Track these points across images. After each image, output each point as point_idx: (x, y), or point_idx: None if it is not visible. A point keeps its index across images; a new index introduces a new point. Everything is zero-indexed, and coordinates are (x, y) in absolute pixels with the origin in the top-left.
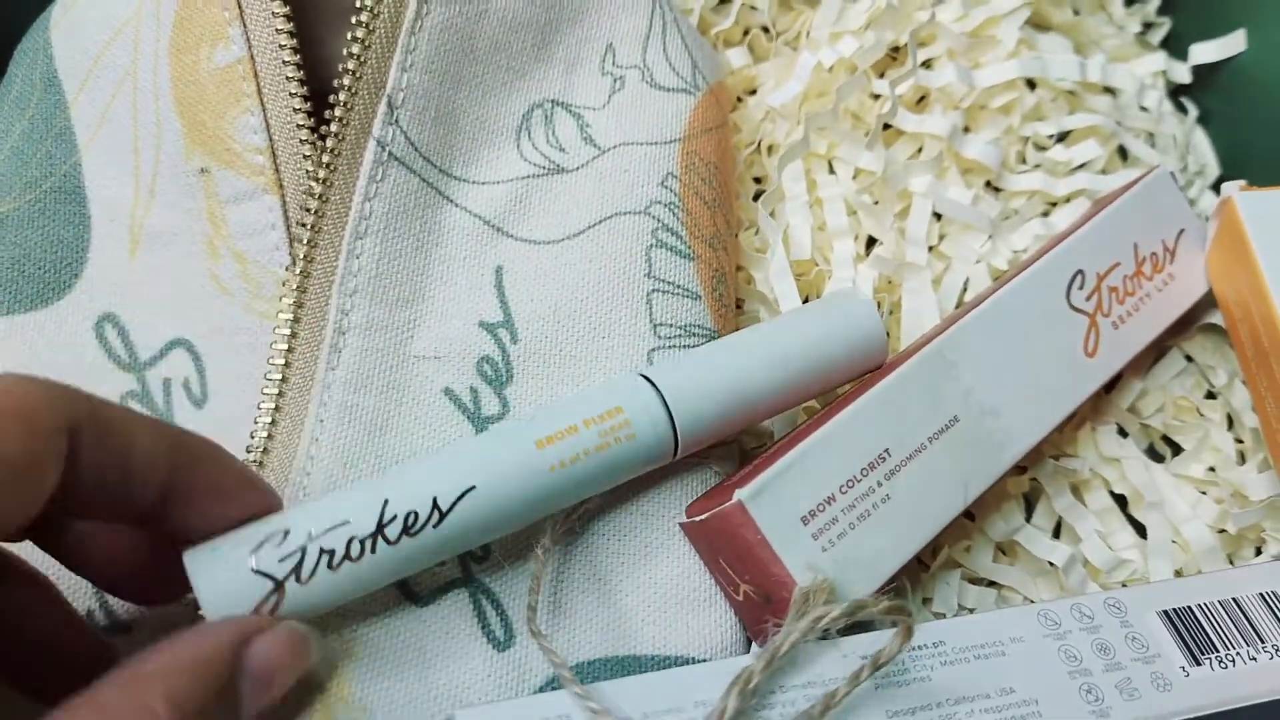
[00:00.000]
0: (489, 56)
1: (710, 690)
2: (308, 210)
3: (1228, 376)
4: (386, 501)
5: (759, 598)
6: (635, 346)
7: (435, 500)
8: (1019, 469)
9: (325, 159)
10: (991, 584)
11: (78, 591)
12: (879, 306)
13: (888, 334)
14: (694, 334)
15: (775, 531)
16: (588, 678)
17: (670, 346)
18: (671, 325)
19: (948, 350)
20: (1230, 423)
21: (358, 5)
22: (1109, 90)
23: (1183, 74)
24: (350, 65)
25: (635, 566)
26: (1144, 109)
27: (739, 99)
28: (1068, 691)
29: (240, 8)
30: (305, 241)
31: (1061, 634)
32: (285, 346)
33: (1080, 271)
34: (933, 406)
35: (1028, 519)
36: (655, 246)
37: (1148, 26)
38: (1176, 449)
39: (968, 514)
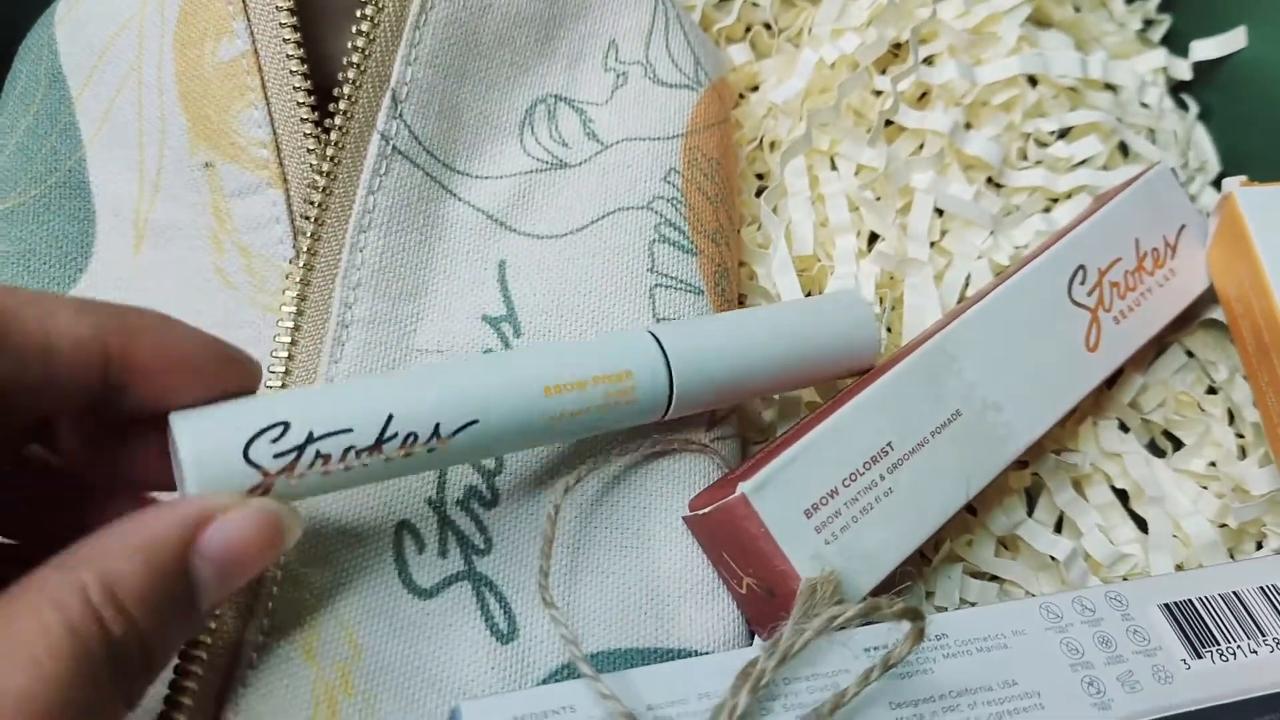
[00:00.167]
0: (493, 51)
1: (714, 683)
2: (311, 204)
3: (1229, 372)
4: (391, 418)
5: (762, 591)
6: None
7: (438, 426)
8: (1021, 463)
9: (329, 152)
10: (993, 578)
11: None
12: (881, 301)
13: (889, 330)
14: None
15: (778, 525)
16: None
17: None
18: (675, 320)
19: (950, 345)
20: (1231, 418)
21: (362, 0)
22: (1110, 87)
23: (1183, 70)
24: (354, 59)
25: (638, 559)
26: (1145, 105)
27: (741, 95)
28: (1069, 684)
29: (244, 2)
30: (309, 235)
31: (1063, 627)
32: (289, 340)
33: (1082, 267)
34: (935, 401)
35: (1029, 513)
36: (658, 241)
37: (1148, 23)
38: (1178, 444)
39: (970, 508)
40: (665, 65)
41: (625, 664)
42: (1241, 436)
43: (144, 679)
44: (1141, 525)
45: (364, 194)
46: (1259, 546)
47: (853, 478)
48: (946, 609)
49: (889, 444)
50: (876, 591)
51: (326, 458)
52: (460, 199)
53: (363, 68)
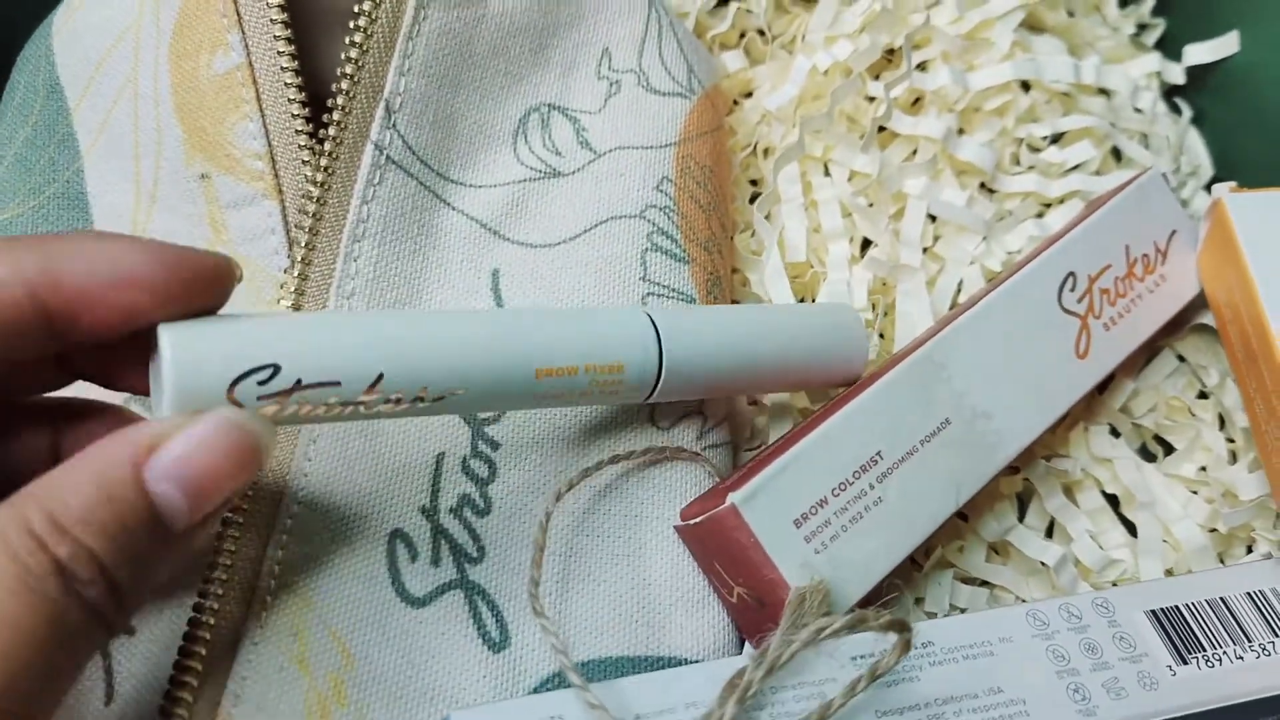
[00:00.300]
0: (486, 61)
1: (702, 693)
2: (305, 213)
3: (1219, 376)
4: (381, 377)
5: (753, 600)
6: None
7: (424, 389)
8: (1012, 469)
9: (323, 163)
10: (984, 583)
11: None
12: (873, 308)
13: (881, 336)
14: None
15: (768, 535)
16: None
17: None
18: None
19: (939, 353)
20: (1222, 422)
21: (355, 10)
22: (1103, 92)
23: (1177, 75)
24: (348, 70)
25: (629, 568)
26: (1138, 110)
27: (735, 102)
28: (1055, 691)
29: (239, 15)
30: (303, 245)
31: (1050, 634)
32: None
33: (1072, 274)
34: (925, 409)
35: (1020, 519)
36: (650, 250)
37: (1142, 28)
38: (1168, 448)
39: (960, 514)
40: (658, 73)
41: (616, 672)
42: (1232, 441)
43: (116, 604)
44: (1132, 530)
45: (358, 204)
46: (1249, 551)
47: (842, 487)
48: (936, 614)
49: (878, 453)
50: (866, 599)
51: (311, 406)
52: (454, 208)
53: (356, 78)
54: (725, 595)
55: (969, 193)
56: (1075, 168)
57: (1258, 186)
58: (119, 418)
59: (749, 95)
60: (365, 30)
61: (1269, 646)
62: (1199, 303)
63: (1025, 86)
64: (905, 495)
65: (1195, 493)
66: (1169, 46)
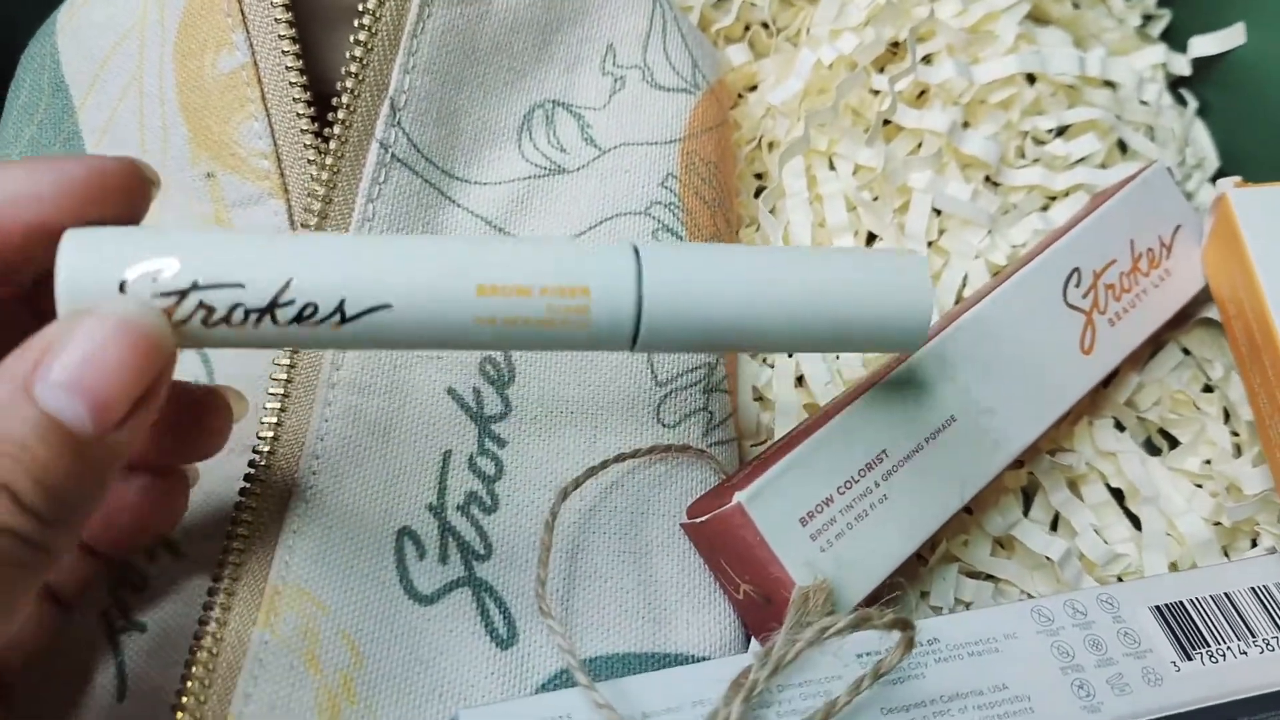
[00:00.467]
0: (490, 57)
1: (708, 690)
2: (311, 212)
3: (1224, 370)
4: (290, 282)
5: (759, 597)
6: None
7: (342, 303)
8: (1016, 463)
9: (328, 162)
10: (989, 578)
11: (90, 596)
12: None
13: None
14: None
15: (774, 533)
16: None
17: None
18: None
19: (944, 350)
20: (1226, 416)
21: (360, 9)
22: (1109, 84)
23: (1182, 66)
24: (353, 68)
25: (636, 565)
26: (1143, 102)
27: (740, 95)
28: (1060, 687)
29: (243, 13)
30: None
31: (1054, 630)
32: (290, 350)
33: (1076, 270)
34: (930, 407)
35: (1025, 513)
36: None
37: (1147, 19)
38: (1173, 442)
39: (965, 508)
40: (663, 69)
41: (623, 668)
42: (1237, 435)
43: (37, 521)
44: (1136, 524)
45: (363, 202)
46: (1253, 544)
47: (847, 485)
48: (941, 609)
49: (883, 451)
50: (871, 596)
51: (210, 310)
52: (459, 205)
53: (361, 77)
54: (731, 592)
55: (974, 186)
56: (1080, 160)
57: (1263, 178)
58: None
59: (753, 89)
60: (370, 28)
61: (1273, 642)
62: (1204, 296)
63: (1030, 79)
64: (910, 493)
65: (1200, 486)
66: (1174, 38)
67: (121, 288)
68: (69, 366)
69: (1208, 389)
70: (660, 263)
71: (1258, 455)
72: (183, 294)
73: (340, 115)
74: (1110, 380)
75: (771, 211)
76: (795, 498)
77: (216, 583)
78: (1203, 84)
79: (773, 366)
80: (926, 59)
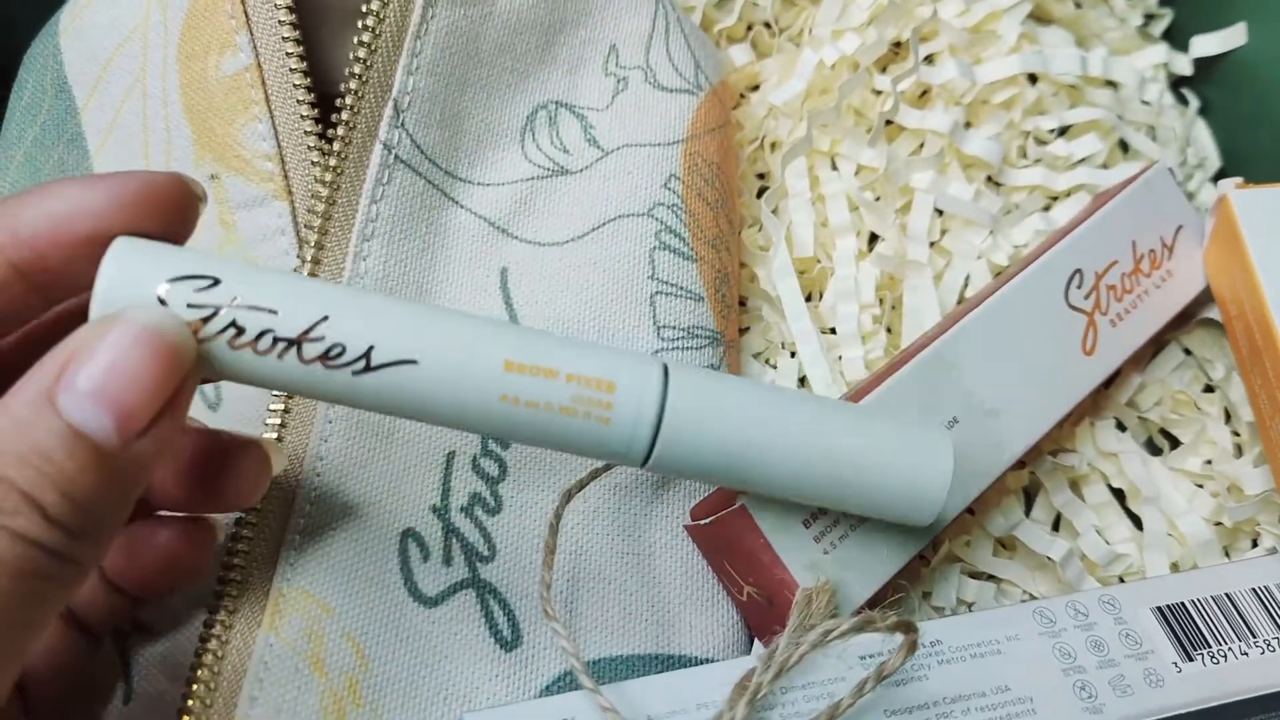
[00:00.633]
0: (494, 59)
1: (712, 693)
2: (315, 213)
3: (1226, 370)
4: (324, 319)
5: (762, 599)
6: (639, 349)
7: (370, 350)
8: (1018, 464)
9: (332, 163)
10: (991, 578)
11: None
12: (880, 303)
13: (889, 330)
14: (697, 335)
15: (778, 535)
16: (592, 677)
17: (674, 349)
18: (675, 327)
19: (947, 352)
20: (1227, 416)
21: (363, 10)
22: (1110, 83)
23: (1184, 66)
24: (356, 70)
25: (639, 566)
26: (1145, 102)
27: (742, 95)
28: (1062, 689)
29: (247, 15)
30: (312, 244)
31: (1056, 631)
32: None
33: (1078, 271)
34: (933, 409)
35: (1027, 513)
36: (658, 249)
37: (1149, 19)
38: (1175, 442)
39: (968, 509)
40: (666, 70)
41: (627, 670)
42: (1238, 435)
43: (63, 533)
44: (1138, 524)
45: (367, 203)
46: (1254, 545)
47: None
48: (944, 609)
49: None
50: (874, 598)
51: (240, 330)
52: (462, 206)
53: (364, 78)
54: (735, 594)
55: (976, 186)
56: (1082, 161)
57: (1264, 178)
58: None
59: (756, 89)
60: (373, 29)
61: (1274, 642)
62: (1205, 297)
63: (1032, 79)
64: None
65: (1201, 487)
66: (1176, 37)
67: (159, 294)
68: (93, 376)
69: (1209, 389)
70: (687, 382)
71: (1259, 455)
72: (217, 309)
73: (344, 117)
74: (1112, 380)
75: (774, 212)
76: None
77: (221, 586)
78: (1204, 84)
79: (775, 368)
80: (929, 59)
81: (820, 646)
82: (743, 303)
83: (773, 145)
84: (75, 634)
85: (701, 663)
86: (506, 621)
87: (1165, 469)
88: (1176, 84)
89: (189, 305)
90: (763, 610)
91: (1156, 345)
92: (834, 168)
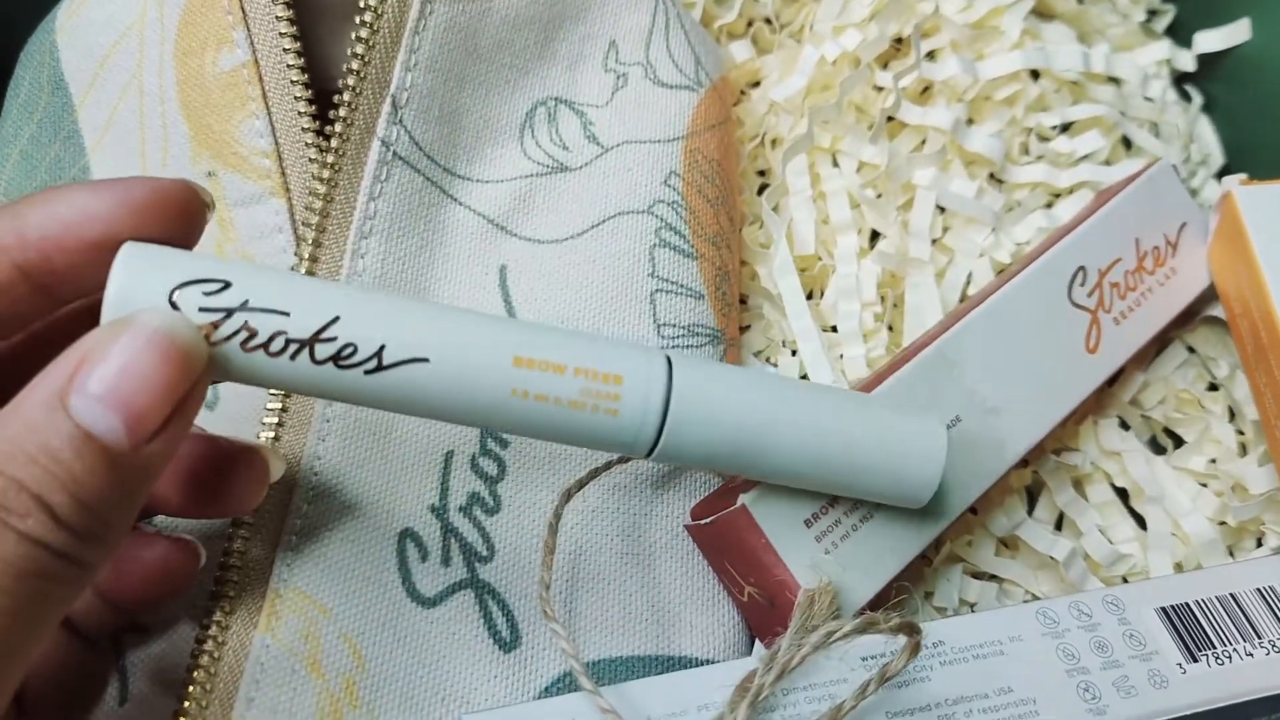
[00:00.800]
0: (493, 55)
1: (712, 694)
2: (312, 211)
3: (1230, 368)
4: (336, 320)
5: (763, 600)
6: None
7: (381, 349)
8: (1021, 463)
9: (330, 160)
10: (993, 578)
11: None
12: (882, 301)
13: (890, 328)
14: (697, 333)
15: (779, 535)
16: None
17: (675, 346)
18: (675, 325)
19: (949, 350)
20: (1231, 415)
21: (361, 5)
22: (1113, 80)
23: (1187, 62)
24: (354, 66)
25: (639, 567)
26: (1148, 99)
27: (742, 91)
28: (1065, 690)
29: (243, 11)
30: (310, 242)
31: (1060, 632)
32: None
33: (1082, 268)
34: (935, 407)
35: (1030, 512)
36: (659, 246)
37: (1152, 14)
38: (1178, 441)
39: (970, 508)
40: (666, 66)
41: (627, 671)
42: (1242, 434)
43: (71, 535)
44: (1141, 524)
45: (365, 200)
46: (1259, 544)
47: None
48: (946, 609)
49: None
50: (876, 599)
51: (253, 333)
52: (461, 203)
53: (362, 74)
54: (736, 595)
55: (978, 183)
56: (1085, 157)
57: (1268, 175)
58: None
59: (756, 85)
60: (371, 25)
61: (1279, 643)
62: (1209, 294)
63: (1034, 75)
64: None
65: (1205, 486)
66: (1179, 33)
67: (171, 297)
68: (105, 379)
69: (1213, 387)
70: (690, 373)
71: (1263, 454)
72: (229, 312)
73: (342, 113)
74: (1115, 379)
75: (775, 209)
76: (800, 499)
77: (217, 586)
78: (1207, 80)
79: (776, 366)
80: (930, 55)
81: (822, 648)
82: (743, 300)
83: (773, 142)
84: (70, 636)
85: (702, 664)
86: (505, 622)
87: (1169, 468)
88: (1179, 80)
89: (201, 309)
90: (764, 611)
91: (1160, 343)
92: (835, 165)
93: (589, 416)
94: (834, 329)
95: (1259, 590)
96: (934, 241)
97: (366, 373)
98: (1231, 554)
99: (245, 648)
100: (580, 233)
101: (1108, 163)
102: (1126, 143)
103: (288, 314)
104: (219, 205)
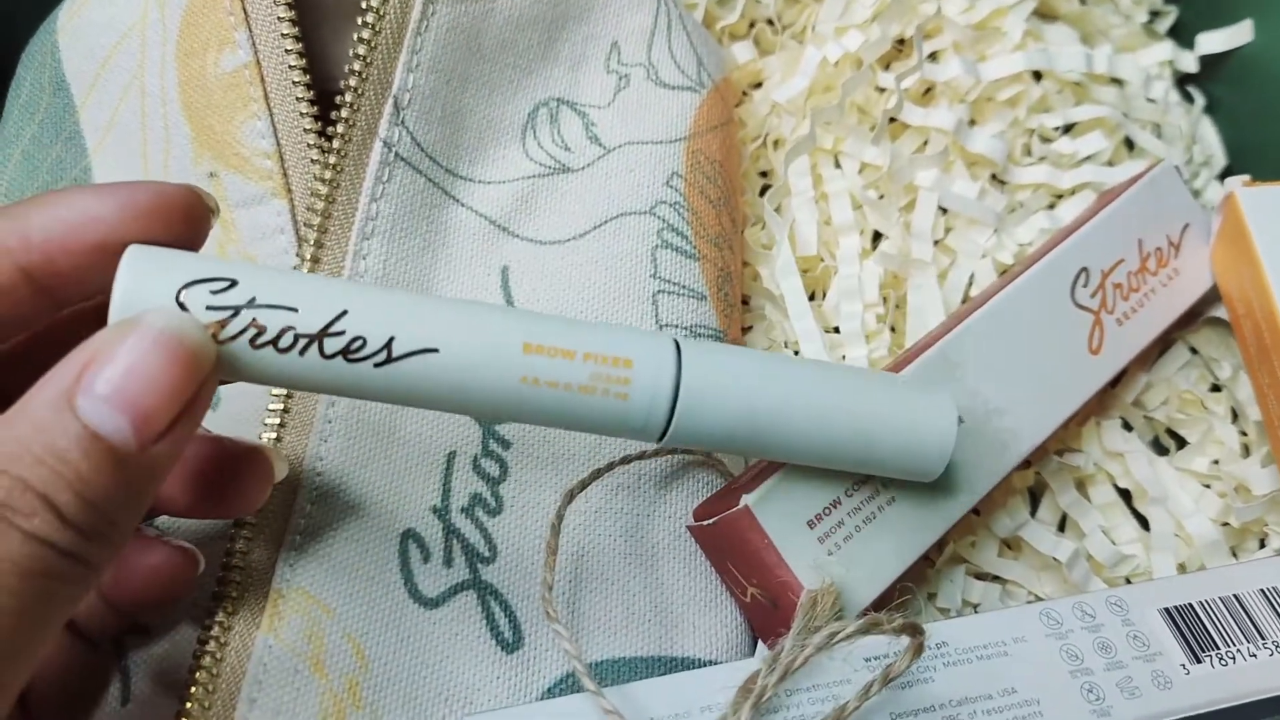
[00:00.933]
0: (495, 55)
1: (715, 695)
2: (314, 212)
3: (1232, 369)
4: (344, 313)
5: (766, 601)
6: None
7: (391, 340)
8: (1024, 464)
9: (332, 160)
10: (996, 579)
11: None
12: (884, 302)
13: (892, 329)
14: (700, 334)
15: (782, 536)
16: (595, 679)
17: None
18: (678, 326)
19: (951, 352)
20: (1234, 416)
21: (363, 6)
22: (1116, 81)
23: (1190, 63)
24: (356, 67)
25: (642, 568)
26: (1150, 100)
27: (744, 93)
28: (1069, 691)
29: (245, 12)
30: (312, 243)
31: (1063, 633)
32: None
33: (1084, 269)
34: None
35: (1033, 513)
36: (661, 247)
37: (1154, 15)
38: (1181, 442)
39: (973, 509)
40: (668, 67)
41: (630, 672)
42: (1245, 435)
43: (78, 535)
44: (1144, 525)
45: (366, 201)
46: (1261, 545)
47: (855, 487)
48: (949, 610)
49: None
50: (879, 599)
51: (261, 329)
52: (463, 204)
53: (364, 75)
54: (739, 595)
55: (980, 184)
56: (1087, 158)
57: (1271, 176)
58: None
59: (758, 86)
60: (373, 26)
61: None
62: (1212, 295)
63: (1037, 76)
64: (918, 495)
65: (1208, 487)
66: (1182, 34)
67: (178, 297)
68: (112, 379)
69: (1215, 388)
70: (698, 355)
71: (1266, 455)
72: (236, 310)
73: (343, 114)
74: (1118, 380)
75: (777, 210)
76: (803, 500)
77: (220, 586)
78: (1210, 81)
79: None
80: (933, 56)
81: (825, 649)
82: (745, 302)
83: (775, 143)
84: (73, 637)
85: (705, 665)
86: (508, 623)
87: (1172, 469)
88: (1182, 81)
89: (209, 308)
90: (767, 612)
91: (1163, 344)
92: (837, 166)
93: (599, 401)
94: (836, 330)
95: (1262, 591)
96: (936, 242)
97: (376, 365)
98: (1235, 555)
99: (248, 648)
100: (582, 234)
101: (1110, 164)
102: (1129, 144)
103: (296, 310)
104: (221, 206)
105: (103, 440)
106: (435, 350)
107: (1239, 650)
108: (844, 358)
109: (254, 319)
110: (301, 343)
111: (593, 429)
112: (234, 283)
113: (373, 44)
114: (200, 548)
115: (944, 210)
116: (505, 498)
